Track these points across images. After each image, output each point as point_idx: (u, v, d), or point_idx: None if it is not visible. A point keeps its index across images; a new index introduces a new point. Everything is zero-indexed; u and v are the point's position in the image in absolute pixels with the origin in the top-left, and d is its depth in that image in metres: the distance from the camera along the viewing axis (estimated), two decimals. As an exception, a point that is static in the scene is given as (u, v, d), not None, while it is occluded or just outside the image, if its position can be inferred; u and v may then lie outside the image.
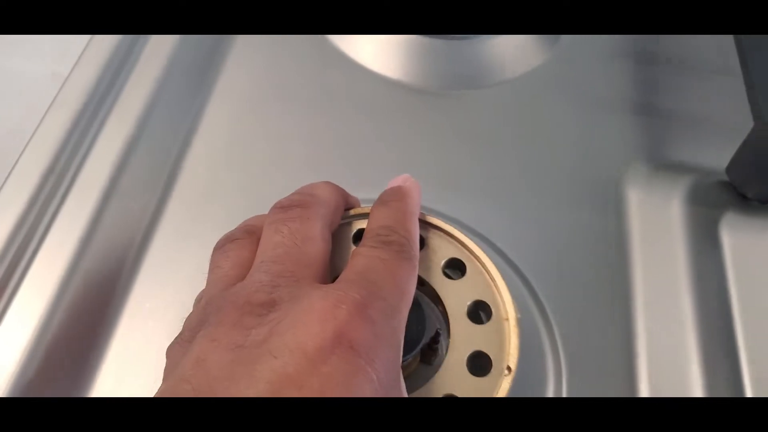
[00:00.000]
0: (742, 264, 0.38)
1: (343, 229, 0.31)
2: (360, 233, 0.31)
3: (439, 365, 0.28)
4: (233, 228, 0.30)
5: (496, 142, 0.44)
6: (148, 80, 0.44)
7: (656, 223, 0.40)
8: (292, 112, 0.44)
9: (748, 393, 0.34)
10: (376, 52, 0.47)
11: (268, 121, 0.44)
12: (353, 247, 0.31)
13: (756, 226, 0.40)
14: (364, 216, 0.31)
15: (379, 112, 0.45)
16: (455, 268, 0.31)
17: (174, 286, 0.37)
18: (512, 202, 0.41)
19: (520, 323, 0.29)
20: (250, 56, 0.47)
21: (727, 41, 0.41)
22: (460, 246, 0.31)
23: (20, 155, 0.39)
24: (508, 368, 0.27)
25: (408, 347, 0.28)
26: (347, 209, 0.32)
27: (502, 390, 0.27)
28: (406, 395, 0.24)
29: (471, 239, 0.31)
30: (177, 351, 0.24)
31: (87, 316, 0.35)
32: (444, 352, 0.29)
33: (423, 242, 0.31)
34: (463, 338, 0.29)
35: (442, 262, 0.31)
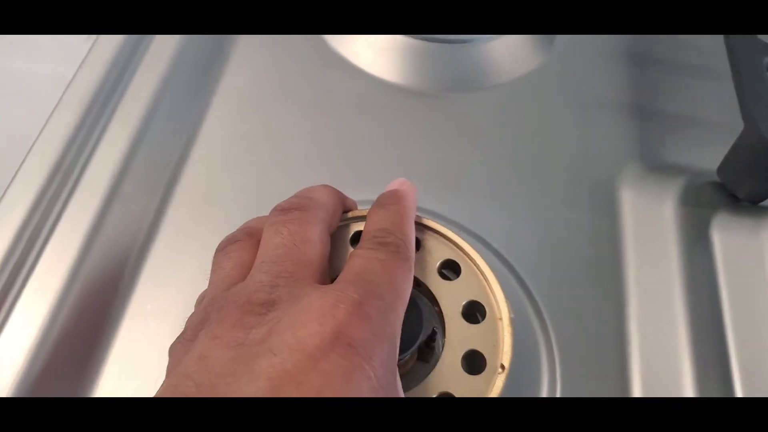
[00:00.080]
0: (733, 264, 0.38)
1: (341, 231, 0.32)
2: (357, 235, 0.31)
3: (435, 364, 0.29)
4: (234, 229, 0.31)
5: (492, 143, 0.44)
6: (150, 83, 0.44)
7: (649, 223, 0.40)
8: (292, 115, 0.44)
9: (738, 393, 0.34)
10: (375, 56, 0.47)
11: (268, 123, 0.44)
12: (351, 249, 0.31)
13: (746, 227, 0.40)
14: (361, 218, 0.32)
15: (377, 114, 0.45)
16: (450, 269, 0.31)
17: (176, 287, 0.37)
18: (508, 203, 0.41)
19: (514, 323, 0.29)
20: (250, 60, 0.47)
21: (719, 45, 0.41)
22: (455, 247, 0.31)
23: (25, 157, 0.39)
24: (502, 366, 0.28)
25: (405, 345, 0.28)
26: (345, 212, 0.32)
27: (497, 388, 0.27)
28: (402, 392, 0.24)
29: (466, 241, 0.31)
30: (179, 349, 0.25)
31: (90, 317, 0.35)
32: (440, 350, 0.30)
33: (419, 244, 0.31)
34: (458, 337, 0.29)
35: (438, 263, 0.31)
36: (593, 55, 0.50)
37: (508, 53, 0.48)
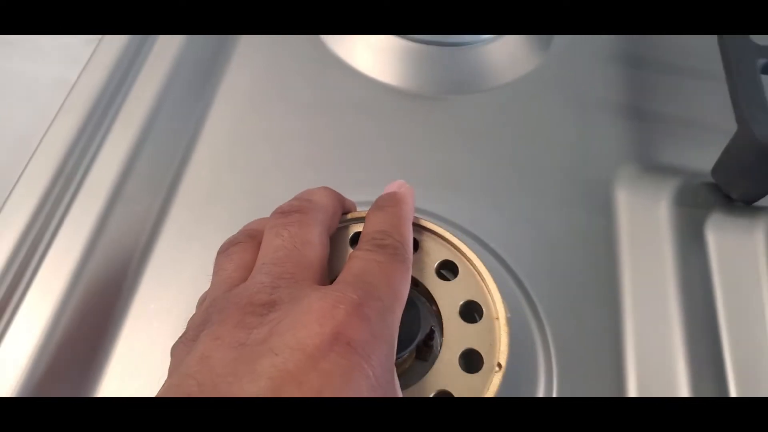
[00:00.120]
0: (727, 263, 0.39)
1: (340, 232, 0.32)
2: (357, 236, 0.32)
3: (433, 362, 0.29)
4: (235, 229, 0.31)
5: (489, 145, 0.44)
6: (152, 85, 0.44)
7: (644, 223, 0.40)
8: (292, 117, 0.45)
9: (732, 392, 0.34)
10: (375, 59, 0.47)
11: (268, 125, 0.44)
12: (350, 250, 0.32)
13: (740, 227, 0.40)
14: (360, 220, 0.32)
15: (377, 116, 0.45)
16: (448, 269, 0.32)
17: (178, 288, 0.37)
18: (506, 203, 0.41)
19: (510, 322, 0.29)
20: (251, 62, 0.48)
21: (713, 47, 0.41)
22: (452, 248, 0.32)
23: (29, 160, 0.39)
24: (499, 365, 0.28)
25: (404, 344, 0.28)
26: (344, 213, 0.33)
27: (494, 386, 0.28)
28: (399, 391, 0.25)
29: (463, 242, 0.32)
30: (181, 349, 0.25)
31: (94, 317, 0.36)
32: (438, 349, 0.30)
33: (417, 245, 0.32)
34: (456, 337, 0.29)
35: (436, 264, 0.31)
36: (589, 57, 0.50)
37: (505, 56, 0.48)
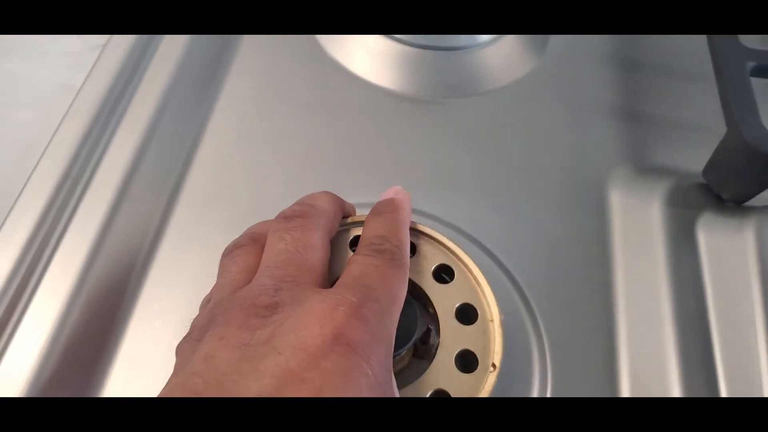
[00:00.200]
0: (718, 262, 0.39)
1: (341, 235, 0.33)
2: (356, 240, 0.32)
3: (431, 362, 0.29)
4: (237, 229, 0.32)
5: (486, 147, 0.45)
6: (156, 90, 0.44)
7: (638, 223, 0.41)
8: (292, 120, 0.45)
9: (723, 392, 0.35)
10: (373, 64, 0.48)
11: (269, 129, 0.44)
12: (350, 253, 0.32)
13: (731, 226, 0.40)
14: (359, 224, 0.33)
15: (376, 120, 0.45)
16: (444, 273, 0.32)
17: (181, 287, 0.38)
18: (502, 204, 0.42)
19: (504, 324, 0.30)
20: (252, 68, 0.48)
21: (705, 50, 0.41)
22: (448, 253, 0.32)
23: (36, 164, 0.39)
24: (493, 365, 0.29)
25: (402, 341, 0.29)
26: (344, 217, 0.33)
27: (488, 385, 0.28)
28: (396, 390, 0.25)
29: (459, 246, 0.32)
30: (186, 349, 0.25)
31: (100, 317, 0.36)
32: (435, 348, 0.30)
33: (414, 249, 0.32)
34: (452, 338, 0.30)
35: (433, 268, 0.32)
36: (584, 60, 0.50)
37: (501, 60, 0.49)
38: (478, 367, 0.29)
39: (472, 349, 0.30)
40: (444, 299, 0.31)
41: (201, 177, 0.42)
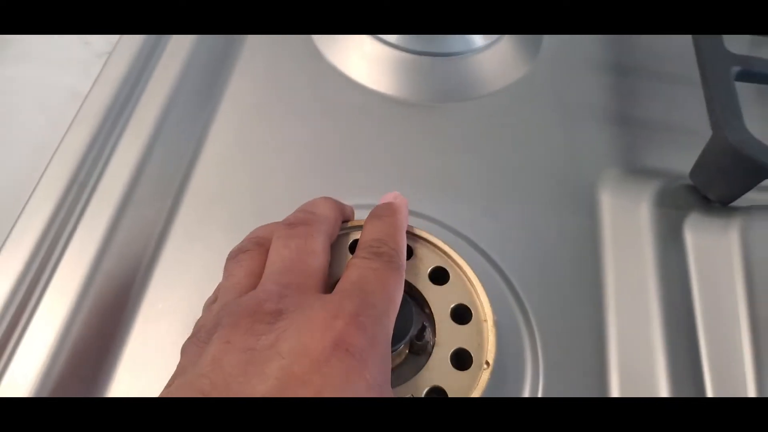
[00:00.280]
0: (704, 261, 0.39)
1: (341, 239, 0.34)
2: (355, 243, 0.33)
3: (427, 359, 0.31)
4: (239, 231, 0.33)
5: (480, 150, 0.45)
6: (159, 97, 0.44)
7: (627, 224, 0.41)
8: (292, 126, 0.45)
9: (709, 391, 0.35)
10: (370, 70, 0.48)
11: (270, 133, 0.45)
12: (349, 255, 0.33)
13: (717, 226, 0.41)
14: (359, 228, 0.34)
15: (373, 124, 0.46)
16: (440, 275, 0.33)
17: (184, 288, 0.38)
18: (496, 206, 0.42)
19: (497, 324, 0.31)
20: (253, 74, 0.48)
21: (692, 54, 0.42)
22: (444, 256, 0.33)
23: (46, 167, 0.40)
24: (487, 363, 0.30)
25: (399, 337, 0.30)
26: (344, 221, 0.34)
27: (482, 382, 0.30)
28: (391, 391, 0.26)
29: (454, 249, 0.33)
30: (193, 350, 0.26)
31: (106, 317, 0.36)
32: (430, 345, 0.31)
33: (411, 252, 0.34)
34: (448, 337, 0.31)
35: (428, 270, 0.33)
36: (575, 64, 0.51)
37: (494, 65, 0.49)
38: (473, 365, 0.30)
39: (466, 347, 0.31)
40: (439, 300, 0.32)
41: (204, 180, 0.42)
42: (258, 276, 0.29)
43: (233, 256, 0.31)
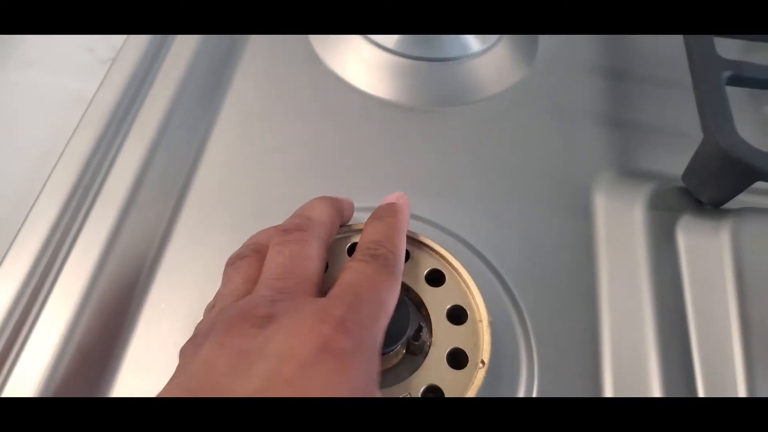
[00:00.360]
0: (696, 262, 0.40)
1: (340, 242, 0.35)
2: (353, 246, 0.34)
3: (423, 359, 0.31)
4: (240, 234, 0.34)
5: (477, 154, 0.45)
6: (162, 101, 0.45)
7: (620, 226, 0.42)
8: (292, 130, 0.46)
9: (700, 389, 0.36)
10: (369, 75, 0.48)
11: (270, 137, 0.45)
12: (348, 258, 0.34)
13: (709, 228, 0.41)
14: (359, 231, 0.34)
15: (373, 128, 0.46)
16: (436, 277, 0.34)
17: (186, 289, 0.38)
18: (493, 209, 0.42)
19: (492, 324, 0.32)
20: (253, 80, 0.49)
21: (684, 58, 0.42)
22: (440, 258, 0.34)
23: (51, 172, 0.40)
24: (482, 362, 0.31)
25: (396, 337, 0.31)
26: (344, 224, 0.35)
27: (478, 381, 0.30)
28: (378, 392, 0.27)
29: (450, 252, 0.34)
30: (189, 352, 0.27)
31: (109, 318, 0.37)
32: (427, 345, 0.32)
33: (408, 255, 0.34)
34: (444, 337, 0.32)
35: (425, 273, 0.34)
36: (571, 69, 0.51)
37: (491, 70, 0.50)
38: (468, 364, 0.31)
39: (462, 347, 0.32)
40: (436, 301, 0.33)
41: (206, 183, 0.43)
42: (255, 282, 0.30)
43: (231, 263, 0.32)
